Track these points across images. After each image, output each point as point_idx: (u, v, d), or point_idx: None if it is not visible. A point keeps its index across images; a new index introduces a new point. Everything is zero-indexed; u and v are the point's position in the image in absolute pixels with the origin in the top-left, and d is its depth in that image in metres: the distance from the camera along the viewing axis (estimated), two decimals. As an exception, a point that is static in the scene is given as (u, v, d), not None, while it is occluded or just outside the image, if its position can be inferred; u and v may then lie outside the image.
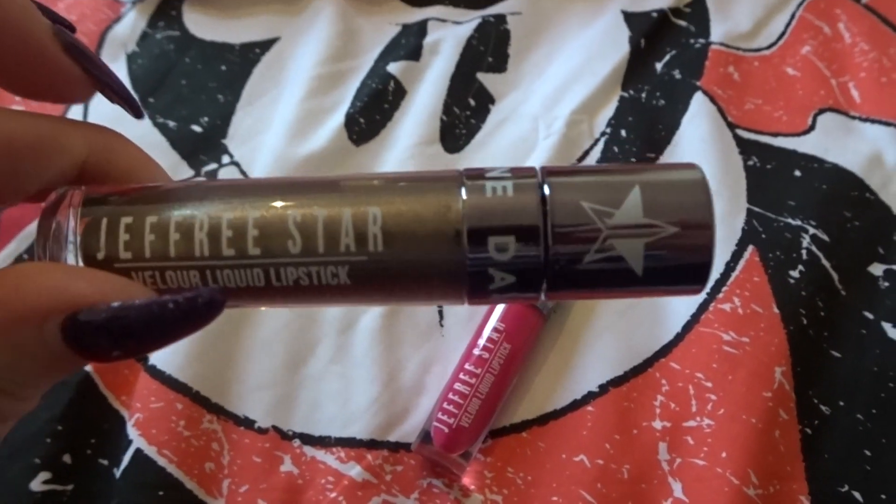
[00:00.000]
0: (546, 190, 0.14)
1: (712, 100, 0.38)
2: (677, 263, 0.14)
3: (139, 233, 0.14)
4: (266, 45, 0.42)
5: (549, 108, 0.38)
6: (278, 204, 0.14)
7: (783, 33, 0.40)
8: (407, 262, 0.14)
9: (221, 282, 0.14)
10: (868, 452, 0.28)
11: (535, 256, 0.14)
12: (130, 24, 0.43)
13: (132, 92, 0.17)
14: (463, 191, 0.14)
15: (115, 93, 0.18)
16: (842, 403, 0.29)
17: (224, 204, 0.15)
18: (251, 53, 0.41)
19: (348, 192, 0.15)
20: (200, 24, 0.43)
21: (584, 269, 0.14)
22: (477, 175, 0.15)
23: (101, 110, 0.40)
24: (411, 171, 0.15)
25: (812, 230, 0.33)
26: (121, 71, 0.41)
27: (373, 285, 0.14)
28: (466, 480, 0.29)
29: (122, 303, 0.13)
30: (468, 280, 0.14)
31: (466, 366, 0.30)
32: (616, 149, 0.37)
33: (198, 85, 0.40)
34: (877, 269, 0.32)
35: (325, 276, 0.14)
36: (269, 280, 0.14)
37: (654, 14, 0.41)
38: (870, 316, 0.31)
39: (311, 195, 0.15)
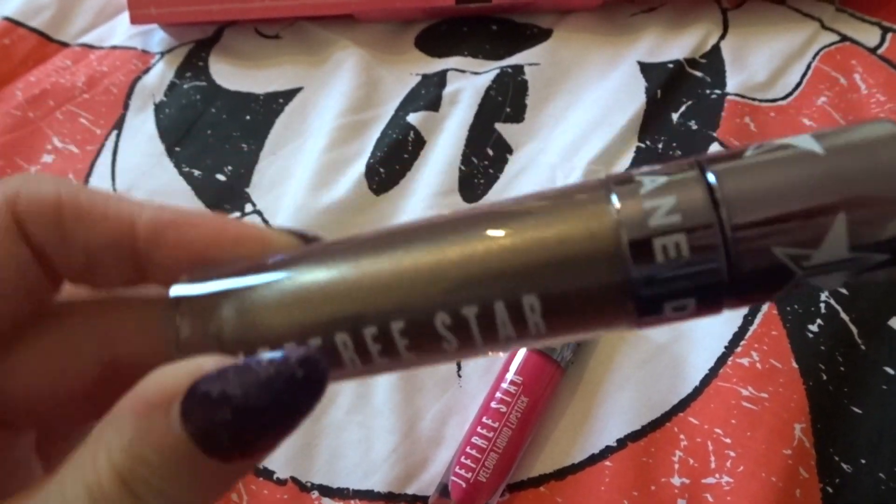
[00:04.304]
0: (727, 232, 0.12)
1: (729, 150, 0.38)
2: (880, 280, 0.12)
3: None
4: (289, 95, 0.43)
5: (566, 158, 0.39)
6: (416, 292, 0.13)
7: (799, 84, 0.41)
8: (573, 326, 0.13)
9: (379, 373, 0.14)
10: (891, 513, 0.28)
11: (720, 300, 0.12)
12: (159, 75, 0.44)
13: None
14: (628, 256, 0.12)
15: None
16: (863, 461, 0.29)
17: (354, 305, 0.13)
18: (275, 103, 0.42)
19: (490, 269, 0.13)
20: (226, 75, 0.44)
21: (773, 295, 0.12)
22: (635, 225, 0.12)
23: (128, 163, 0.41)
24: (547, 208, 0.13)
25: (830, 283, 0.33)
26: (149, 120, 0.42)
27: (535, 345, 0.14)
28: (484, 535, 0.29)
29: (232, 365, 0.13)
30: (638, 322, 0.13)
31: (484, 419, 0.30)
32: (633, 199, 0.37)
33: (223, 134, 0.41)
34: (897, 323, 0.32)
35: (486, 353, 0.14)
36: (426, 363, 0.14)
37: (670, 65, 0.41)
38: (890, 371, 0.31)
39: (451, 284, 0.13)
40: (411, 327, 0.13)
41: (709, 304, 0.12)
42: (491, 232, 0.13)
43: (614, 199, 0.12)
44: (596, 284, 0.12)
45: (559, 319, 0.13)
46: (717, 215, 0.12)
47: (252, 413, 0.12)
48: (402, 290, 0.13)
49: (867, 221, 0.11)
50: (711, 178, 0.12)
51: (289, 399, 0.12)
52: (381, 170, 0.39)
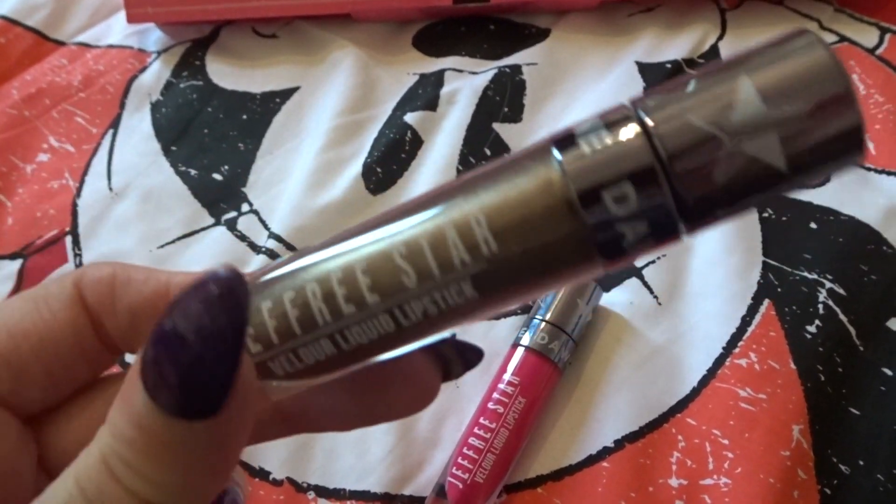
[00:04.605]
0: (647, 121, 0.13)
1: (727, 151, 0.38)
2: (824, 140, 0.12)
3: (261, 322, 0.14)
4: (286, 95, 0.43)
5: (564, 158, 0.39)
6: (378, 242, 0.14)
7: (797, 84, 0.41)
8: (528, 251, 0.13)
9: (354, 341, 0.14)
10: (889, 514, 0.28)
11: (660, 194, 0.12)
12: (155, 74, 0.44)
13: None
14: (556, 156, 0.13)
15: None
16: (861, 463, 0.29)
17: (325, 265, 0.14)
18: (272, 103, 0.42)
19: (440, 203, 0.14)
20: (223, 74, 0.44)
21: (720, 186, 0.12)
22: (565, 136, 0.13)
23: (126, 158, 0.41)
24: (496, 159, 0.14)
25: (829, 284, 0.33)
26: (145, 120, 0.42)
27: (502, 288, 0.14)
28: (481, 537, 0.29)
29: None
30: (597, 246, 0.13)
31: (481, 420, 0.30)
32: (631, 200, 0.37)
33: (219, 134, 0.41)
34: (895, 324, 0.32)
35: (451, 296, 0.13)
36: (398, 322, 0.14)
37: (668, 65, 0.41)
38: (889, 372, 0.31)
39: (404, 221, 0.14)
40: (371, 264, 0.14)
41: (665, 233, 0.13)
42: (453, 207, 0.14)
43: (555, 152, 0.13)
44: (551, 234, 0.13)
45: (511, 248, 0.13)
46: (654, 153, 0.12)
47: (179, 341, 0.12)
48: (365, 243, 0.14)
49: (771, 78, 0.12)
50: (647, 120, 0.13)
51: (208, 319, 0.12)
52: (379, 170, 0.38)
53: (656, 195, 0.12)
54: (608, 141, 0.13)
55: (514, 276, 0.13)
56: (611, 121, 0.13)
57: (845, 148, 0.12)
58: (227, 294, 0.13)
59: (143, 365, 0.13)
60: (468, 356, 0.17)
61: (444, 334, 0.15)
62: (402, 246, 0.13)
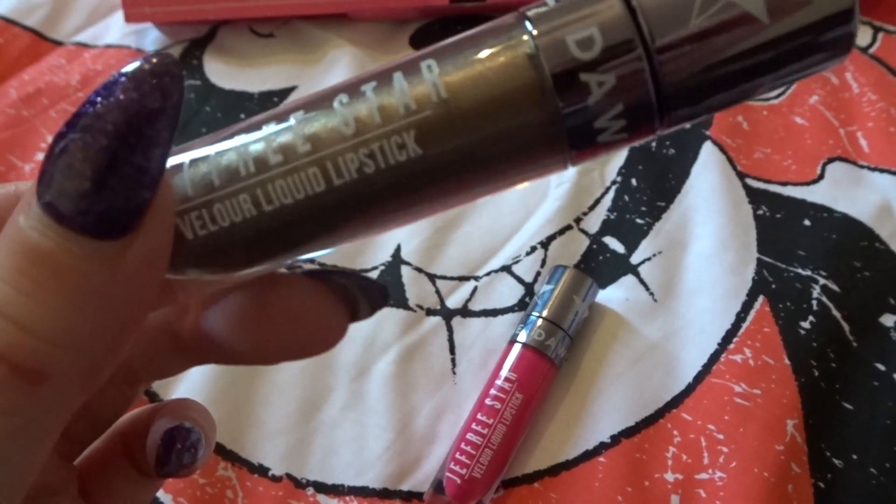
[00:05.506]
0: (647, 39, 0.12)
1: (721, 149, 0.38)
2: None
3: (178, 171, 0.12)
4: (284, 94, 0.43)
5: (560, 156, 0.39)
6: (322, 98, 0.12)
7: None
8: (481, 105, 0.12)
9: (277, 199, 0.12)
10: (882, 508, 0.28)
11: (637, 55, 0.12)
12: (153, 74, 0.44)
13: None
14: (528, 24, 0.12)
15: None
16: (855, 457, 0.29)
17: (265, 118, 0.13)
18: (269, 102, 0.42)
19: (396, 65, 0.12)
20: (221, 74, 0.44)
21: (697, 31, 0.12)
22: (560, 58, 0.12)
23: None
24: (465, 45, 0.12)
25: (822, 280, 0.33)
26: (143, 119, 0.42)
27: (448, 153, 0.12)
28: (478, 531, 0.29)
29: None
30: (565, 124, 0.12)
31: (479, 416, 0.30)
32: (627, 197, 0.37)
33: (217, 133, 0.41)
34: (888, 320, 0.32)
35: (391, 150, 0.12)
36: (329, 179, 0.12)
37: (664, 64, 0.42)
38: (882, 368, 0.31)
39: (354, 80, 0.12)
40: (309, 113, 0.12)
41: (642, 116, 0.12)
42: (407, 62, 0.12)
43: (529, 26, 0.12)
44: (521, 119, 0.12)
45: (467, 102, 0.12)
46: (635, 22, 0.11)
47: (98, 122, 0.10)
48: (308, 99, 0.13)
49: None
50: None
51: (135, 94, 0.10)
52: (376, 168, 0.39)
53: (635, 56, 0.12)
54: (604, 60, 0.12)
55: (461, 137, 0.12)
56: (610, 35, 0.12)
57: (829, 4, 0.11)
58: (159, 69, 0.10)
59: (43, 165, 0.10)
60: (373, 296, 0.15)
61: (380, 227, 0.13)
62: (343, 94, 0.12)
